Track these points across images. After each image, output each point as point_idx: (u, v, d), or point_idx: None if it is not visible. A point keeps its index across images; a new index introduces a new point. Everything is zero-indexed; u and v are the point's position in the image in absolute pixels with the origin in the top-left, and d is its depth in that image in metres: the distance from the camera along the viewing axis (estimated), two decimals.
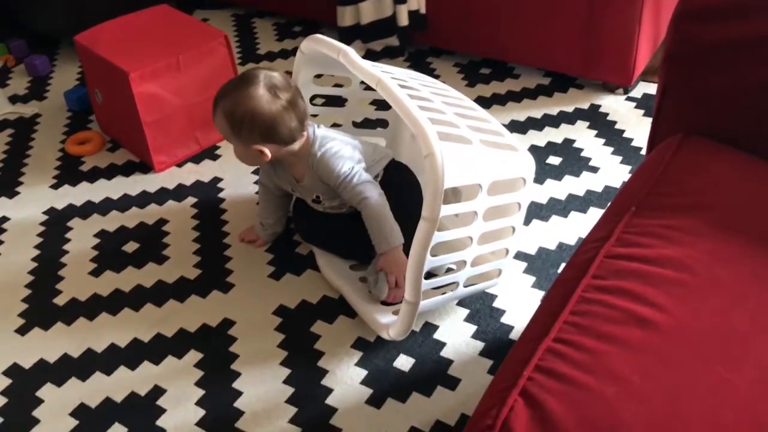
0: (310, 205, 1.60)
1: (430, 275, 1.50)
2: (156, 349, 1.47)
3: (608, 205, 1.03)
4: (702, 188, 0.96)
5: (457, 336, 1.45)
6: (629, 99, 2.09)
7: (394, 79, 1.34)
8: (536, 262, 1.60)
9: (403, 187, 1.59)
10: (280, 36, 2.57)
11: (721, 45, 1.03)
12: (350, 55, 1.39)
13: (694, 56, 1.06)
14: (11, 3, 2.45)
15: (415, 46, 2.38)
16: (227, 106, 1.43)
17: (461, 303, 1.51)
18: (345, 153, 1.49)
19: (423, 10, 2.24)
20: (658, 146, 1.10)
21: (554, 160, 1.89)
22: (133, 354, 1.47)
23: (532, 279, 1.56)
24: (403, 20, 2.24)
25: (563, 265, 1.57)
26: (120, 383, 1.41)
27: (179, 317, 1.54)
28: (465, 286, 1.40)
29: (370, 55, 2.34)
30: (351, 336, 1.47)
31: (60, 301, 1.60)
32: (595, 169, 1.84)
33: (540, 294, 1.52)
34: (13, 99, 2.33)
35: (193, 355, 1.45)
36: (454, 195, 1.55)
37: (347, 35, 2.33)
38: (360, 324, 1.48)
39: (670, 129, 1.13)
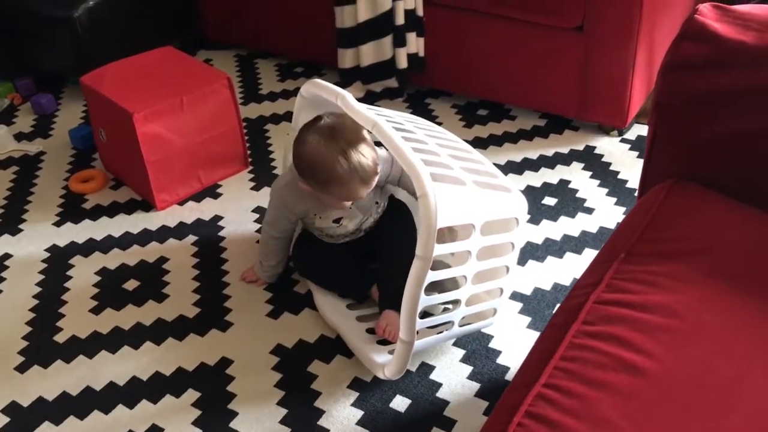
0: (330, 235, 1.61)
1: (426, 314, 1.53)
2: (154, 388, 1.48)
3: (600, 249, 1.05)
4: (691, 235, 0.99)
5: (453, 377, 1.46)
6: (624, 141, 2.13)
7: (390, 122, 1.37)
8: (532, 303, 1.61)
9: (400, 225, 1.61)
10: (282, 77, 2.62)
11: (706, 94, 1.06)
12: (347, 99, 1.42)
13: (681, 105, 1.09)
14: (19, 42, 2.50)
15: (414, 88, 2.43)
16: None
17: (457, 343, 1.53)
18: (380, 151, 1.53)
19: (422, 53, 2.29)
20: (648, 192, 1.12)
21: (550, 200, 1.91)
22: (132, 392, 1.48)
23: (527, 320, 1.57)
24: (402, 63, 2.28)
25: (558, 306, 1.58)
26: (118, 422, 1.42)
27: (178, 355, 1.55)
28: (460, 326, 1.42)
29: (370, 96, 2.38)
30: (348, 376, 1.48)
31: (60, 338, 1.61)
32: (590, 210, 1.87)
33: (535, 335, 1.53)
34: (19, 137, 2.36)
35: (191, 394, 1.47)
36: (450, 235, 1.57)
37: (348, 77, 2.38)
38: (357, 364, 1.49)
39: (661, 174, 1.15)
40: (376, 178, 1.45)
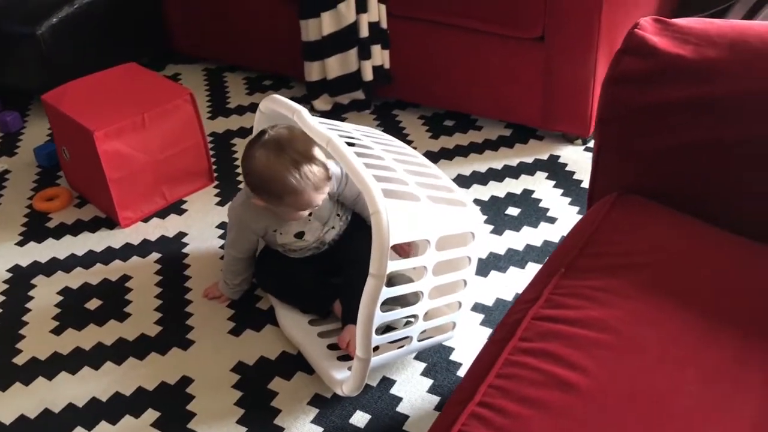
0: (290, 246, 1.60)
1: (388, 328, 1.53)
2: (114, 409, 1.47)
3: (544, 263, 1.05)
4: (631, 249, 0.99)
5: (413, 390, 1.46)
6: (587, 149, 2.14)
7: (346, 138, 1.37)
8: (494, 314, 1.62)
9: (362, 239, 1.61)
10: (251, 90, 2.62)
11: (646, 108, 1.07)
12: (303, 115, 1.42)
13: (622, 119, 1.10)
14: None
15: (381, 100, 2.43)
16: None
17: (418, 357, 1.53)
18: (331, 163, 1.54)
19: (387, 65, 2.30)
20: (593, 206, 1.13)
21: (513, 210, 1.92)
22: (91, 414, 1.47)
23: (488, 330, 1.58)
24: (368, 75, 2.29)
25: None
26: None
27: (138, 375, 1.54)
28: (419, 340, 1.42)
29: (337, 109, 2.39)
30: (308, 392, 1.47)
31: (19, 360, 1.60)
32: (552, 220, 1.88)
33: None
34: None
35: (151, 414, 1.46)
36: (413, 250, 1.58)
37: (315, 89, 2.38)
38: (317, 380, 1.49)
39: (607, 187, 1.16)
40: (329, 183, 1.45)
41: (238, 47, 2.62)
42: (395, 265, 1.24)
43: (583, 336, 0.86)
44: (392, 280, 1.56)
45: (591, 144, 2.16)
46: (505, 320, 0.92)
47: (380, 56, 2.27)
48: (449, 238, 1.35)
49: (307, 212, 1.49)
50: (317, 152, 1.43)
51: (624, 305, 0.90)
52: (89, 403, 1.49)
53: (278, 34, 2.46)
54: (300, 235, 1.57)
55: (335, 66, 2.30)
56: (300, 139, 1.42)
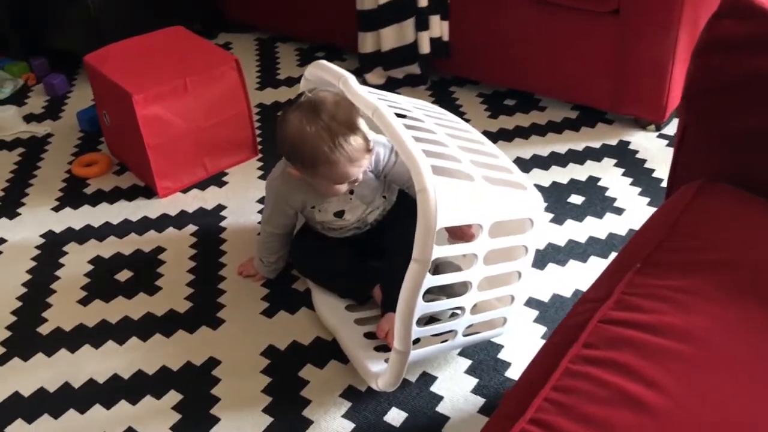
0: (329, 225, 1.49)
1: (432, 320, 1.40)
2: (135, 388, 1.39)
3: (615, 256, 0.91)
4: (718, 244, 0.84)
5: (455, 389, 1.33)
6: (661, 136, 1.96)
7: (395, 108, 1.24)
8: (549, 311, 1.47)
9: (409, 221, 1.48)
10: (302, 61, 2.51)
11: (746, 80, 0.91)
12: (349, 82, 1.29)
13: (718, 92, 0.94)
14: (33, 21, 2.44)
15: (438, 75, 2.29)
16: None
17: (463, 352, 1.39)
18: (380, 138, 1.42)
19: (446, 38, 2.15)
20: (674, 194, 0.97)
21: (576, 198, 1.76)
22: (111, 391, 1.38)
23: (543, 329, 1.43)
24: (425, 48, 2.15)
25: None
26: (93, 423, 1.33)
27: (163, 353, 1.45)
28: (464, 335, 1.29)
29: (391, 83, 2.25)
30: (341, 384, 1.36)
31: (44, 330, 1.53)
32: (619, 211, 1.71)
33: None
34: (29, 118, 2.30)
35: (173, 396, 1.36)
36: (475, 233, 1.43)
37: (368, 62, 2.25)
38: (352, 371, 1.37)
39: (691, 174, 1.00)
40: (369, 157, 1.32)
41: (292, 17, 2.51)
42: (442, 250, 1.11)
43: (660, 345, 0.71)
44: (438, 268, 1.43)
45: (665, 131, 1.97)
46: (566, 321, 0.78)
47: (439, 27, 2.12)
48: (504, 224, 1.21)
49: (345, 187, 1.36)
50: (358, 121, 1.30)
51: (709, 310, 0.75)
52: (110, 380, 1.40)
53: (333, 2, 2.34)
54: (340, 213, 1.45)
55: (391, 37, 2.17)
56: (341, 105, 1.29)
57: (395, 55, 2.20)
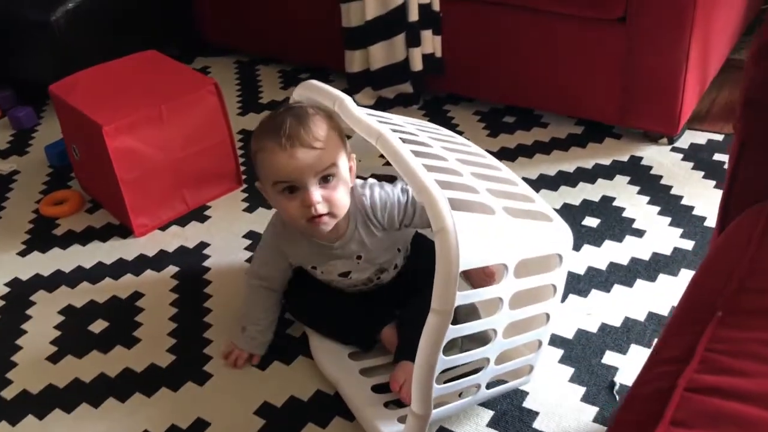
0: (333, 284, 1.34)
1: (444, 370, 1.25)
2: None
3: (681, 298, 0.76)
4: None
5: None
6: (675, 150, 1.83)
7: (399, 133, 1.10)
8: (575, 349, 1.32)
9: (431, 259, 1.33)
10: (286, 84, 2.36)
11: None
12: (346, 104, 1.15)
13: None
14: None
15: (431, 94, 2.15)
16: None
17: (484, 403, 1.24)
18: (387, 186, 1.28)
19: (439, 54, 2.01)
20: (737, 219, 0.83)
21: (591, 221, 1.62)
22: None
23: (569, 371, 1.28)
24: (417, 65, 2.01)
25: (608, 353, 1.30)
26: None
27: (145, 416, 1.28)
28: (488, 387, 1.13)
29: (381, 103, 2.11)
30: None
31: (8, 393, 1.35)
32: (640, 233, 1.57)
33: (580, 390, 1.24)
34: None
35: None
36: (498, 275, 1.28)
37: (356, 82, 2.11)
38: (360, 429, 1.21)
39: (751, 196, 0.86)
40: (309, 154, 1.12)
41: (273, 38, 2.36)
42: (464, 296, 0.96)
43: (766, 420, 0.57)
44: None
45: (678, 144, 1.84)
46: (640, 390, 0.63)
47: (431, 43, 1.99)
48: (529, 262, 1.06)
49: (300, 210, 1.15)
50: (316, 120, 1.16)
51: None
52: None
53: (316, 21, 2.20)
54: (345, 275, 1.30)
55: (380, 55, 2.03)
56: (308, 111, 1.17)
57: (386, 74, 2.06)
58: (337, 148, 1.16)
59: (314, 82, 1.25)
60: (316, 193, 1.13)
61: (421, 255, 1.35)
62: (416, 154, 1.03)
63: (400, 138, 1.05)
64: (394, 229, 1.27)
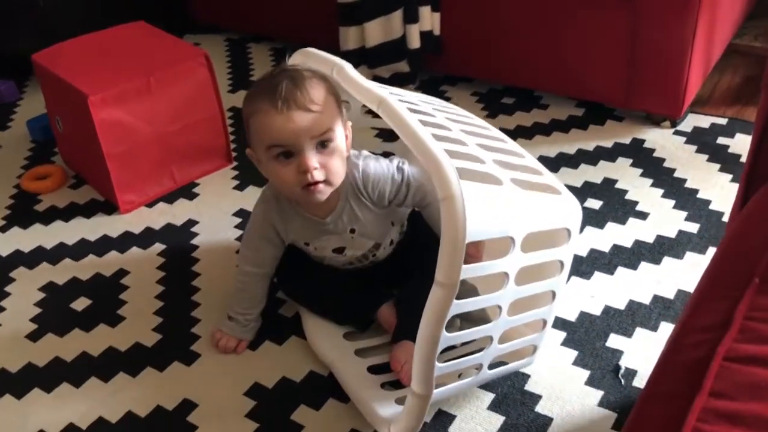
0: (326, 261, 1.29)
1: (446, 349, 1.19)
2: None
3: (708, 268, 0.71)
4: None
5: (479, 430, 1.12)
6: (678, 133, 1.79)
7: (402, 102, 1.04)
8: (578, 332, 1.28)
9: (431, 236, 1.28)
10: (277, 61, 2.30)
11: None
12: (347, 70, 1.10)
13: None
14: None
15: (428, 73, 2.10)
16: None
17: (485, 385, 1.19)
18: (382, 160, 1.23)
19: (437, 32, 1.96)
20: (764, 188, 0.78)
21: (593, 203, 1.58)
22: None
23: (573, 354, 1.24)
24: (415, 42, 1.95)
25: (613, 336, 1.25)
26: None
27: (128, 397, 1.22)
28: (490, 368, 1.08)
29: (376, 82, 2.05)
30: (342, 427, 1.14)
31: None
32: (643, 215, 1.53)
33: (584, 374, 1.20)
34: None
35: None
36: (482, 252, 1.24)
37: (351, 60, 2.01)
38: (354, 411, 1.16)
39: None
40: (306, 117, 1.07)
41: (265, 14, 2.30)
42: (471, 270, 0.90)
43: None
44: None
45: (681, 127, 1.80)
46: (672, 358, 0.58)
47: (430, 20, 1.93)
48: (536, 236, 1.01)
49: (296, 177, 1.09)
50: (313, 83, 1.10)
51: None
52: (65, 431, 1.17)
53: None
54: (340, 250, 1.24)
55: (376, 31, 1.97)
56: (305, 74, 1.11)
57: (381, 52, 2.00)
58: (335, 113, 1.11)
59: (311, 49, 1.21)
60: (313, 159, 1.08)
61: (417, 231, 1.30)
62: (421, 123, 0.97)
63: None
64: (382, 206, 1.22)
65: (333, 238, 1.23)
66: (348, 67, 1.11)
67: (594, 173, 1.67)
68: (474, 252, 1.17)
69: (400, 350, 1.14)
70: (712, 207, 1.54)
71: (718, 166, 1.66)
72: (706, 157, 1.70)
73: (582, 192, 1.61)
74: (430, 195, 1.22)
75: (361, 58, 2.04)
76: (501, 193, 0.97)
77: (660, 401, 0.55)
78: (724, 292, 0.63)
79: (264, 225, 1.25)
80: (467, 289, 1.18)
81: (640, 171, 1.67)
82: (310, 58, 1.19)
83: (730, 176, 1.62)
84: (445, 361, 1.01)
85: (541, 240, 1.03)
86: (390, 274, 1.29)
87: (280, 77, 1.09)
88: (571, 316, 1.31)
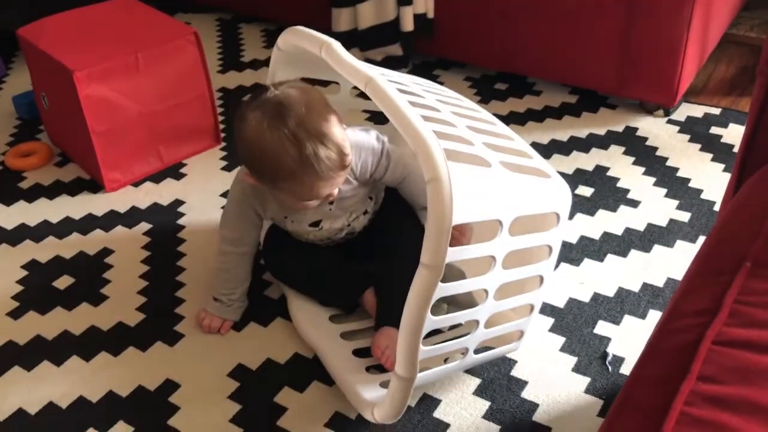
0: (304, 237, 1.27)
1: (430, 333, 1.18)
2: (75, 419, 1.14)
3: (699, 252, 0.70)
4: None
5: (464, 415, 1.12)
6: (671, 122, 1.77)
7: (391, 83, 1.02)
8: (566, 318, 1.27)
9: (405, 217, 1.28)
10: (269, 42, 2.27)
11: None
12: (335, 48, 1.08)
13: None
14: None
15: (421, 57, 2.08)
16: None
17: (471, 370, 1.18)
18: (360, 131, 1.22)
19: (431, 15, 1.94)
20: (757, 174, 0.77)
21: (585, 190, 1.56)
22: (45, 425, 1.13)
23: (560, 340, 1.23)
24: (408, 25, 1.93)
25: (601, 323, 1.24)
26: None
27: (110, 376, 1.21)
28: (476, 353, 1.07)
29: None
30: (326, 410, 1.13)
31: None
32: (634, 203, 1.52)
33: (571, 360, 1.19)
34: None
35: (121, 429, 1.12)
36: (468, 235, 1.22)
37: (343, 42, 1.99)
38: (338, 394, 1.14)
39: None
40: (344, 174, 1.09)
41: None
42: (457, 252, 0.89)
43: None
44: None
45: (674, 116, 1.79)
46: (660, 343, 0.57)
47: (424, 2, 1.91)
48: (524, 220, 1.00)
49: (316, 203, 1.13)
50: (333, 128, 1.05)
51: None
52: (44, 410, 1.16)
53: None
54: (316, 224, 1.23)
55: (369, 13, 1.95)
56: (313, 107, 1.05)
57: (374, 34, 1.98)
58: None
59: (300, 28, 1.18)
60: (336, 192, 1.12)
61: (393, 202, 1.29)
62: (410, 103, 0.96)
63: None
64: (364, 180, 1.20)
65: (310, 211, 1.21)
66: (336, 44, 1.09)
67: (586, 160, 1.66)
68: (458, 235, 1.16)
69: (381, 336, 1.13)
70: (703, 196, 1.53)
71: (710, 155, 1.65)
72: (698, 146, 1.69)
73: (574, 179, 1.60)
74: (409, 167, 1.21)
75: (353, 40, 2.01)
76: (489, 175, 0.95)
77: (647, 384, 0.54)
78: (715, 277, 0.61)
79: (242, 204, 1.23)
80: (454, 274, 1.18)
81: (632, 159, 1.65)
82: (298, 36, 1.17)
83: (723, 166, 1.61)
84: (431, 345, 1.00)
85: (530, 224, 1.01)
86: (366, 248, 1.28)
87: (311, 143, 1.03)
88: (560, 303, 1.30)
